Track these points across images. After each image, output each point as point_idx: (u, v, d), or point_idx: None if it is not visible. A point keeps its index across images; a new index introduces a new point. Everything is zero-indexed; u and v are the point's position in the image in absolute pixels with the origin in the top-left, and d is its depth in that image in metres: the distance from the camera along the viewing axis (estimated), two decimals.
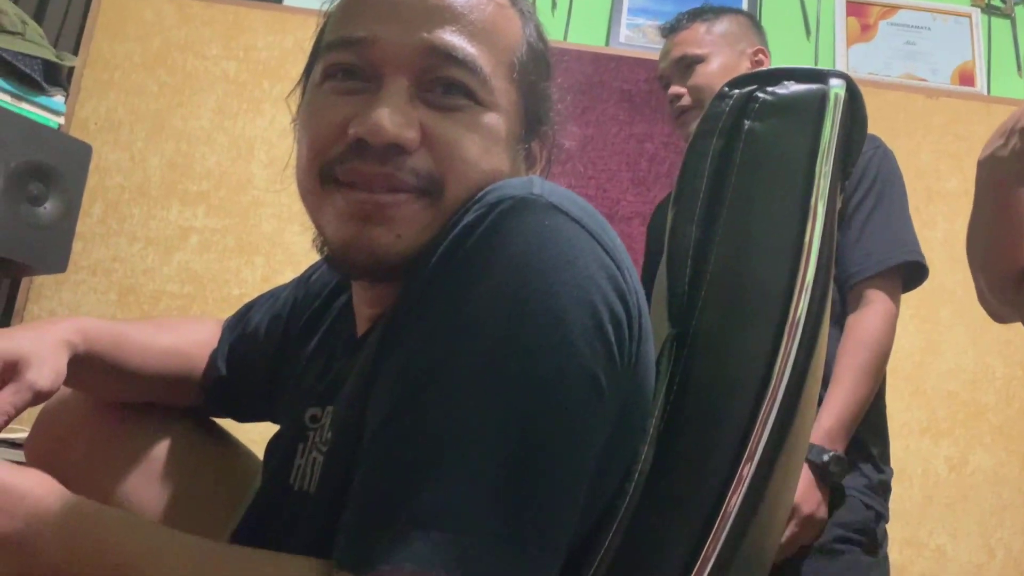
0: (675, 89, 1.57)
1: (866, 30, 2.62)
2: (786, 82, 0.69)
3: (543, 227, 0.56)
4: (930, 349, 2.28)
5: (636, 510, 0.63)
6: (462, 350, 0.54)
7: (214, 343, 0.97)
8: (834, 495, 1.30)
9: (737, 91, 0.70)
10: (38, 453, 0.94)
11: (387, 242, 0.63)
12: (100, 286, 2.26)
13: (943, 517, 2.18)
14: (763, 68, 0.74)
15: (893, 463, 2.19)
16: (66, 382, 0.81)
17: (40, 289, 2.25)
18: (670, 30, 1.64)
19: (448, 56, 0.64)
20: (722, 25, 1.60)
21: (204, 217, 2.31)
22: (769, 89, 0.69)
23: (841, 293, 1.41)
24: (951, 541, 2.16)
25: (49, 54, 2.06)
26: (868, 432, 1.39)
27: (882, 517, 1.38)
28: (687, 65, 1.57)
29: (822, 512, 1.26)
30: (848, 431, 1.30)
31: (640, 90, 2.41)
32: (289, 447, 0.77)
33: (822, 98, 0.68)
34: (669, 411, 0.65)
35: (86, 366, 0.84)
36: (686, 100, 1.55)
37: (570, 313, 0.55)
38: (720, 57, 1.56)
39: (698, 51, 1.57)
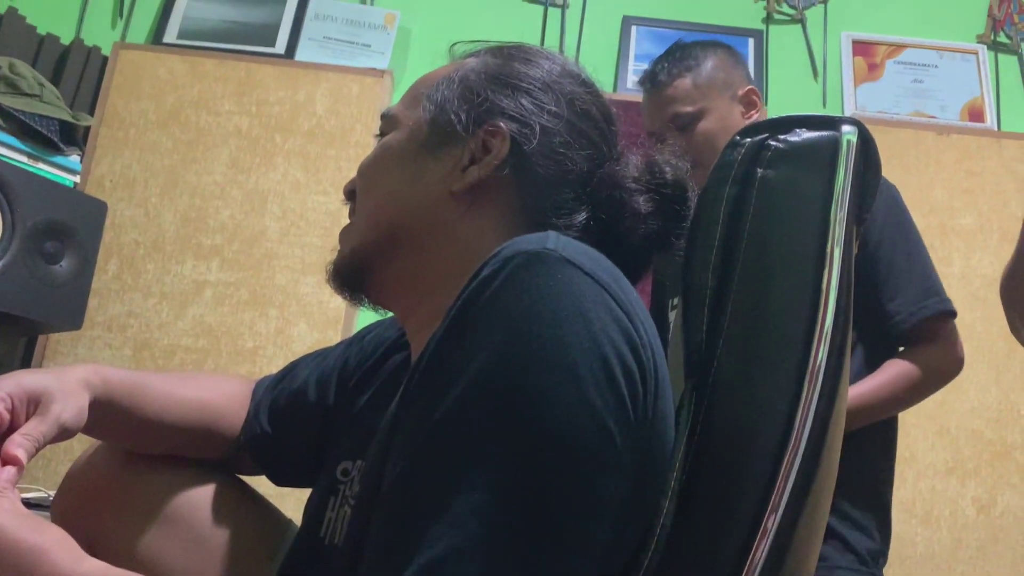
0: None
1: (873, 69, 2.63)
2: (798, 129, 0.69)
3: (555, 280, 0.57)
4: (953, 387, 2.22)
5: (660, 564, 0.62)
6: (473, 403, 0.54)
7: (243, 398, 0.96)
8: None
9: (749, 139, 0.70)
10: (65, 513, 0.93)
11: (333, 260, 0.84)
12: (115, 341, 2.27)
13: (974, 560, 2.13)
14: (767, 118, 0.75)
15: (920, 504, 2.17)
16: (86, 427, 0.81)
17: (56, 346, 2.26)
18: (652, 84, 1.53)
19: (381, 118, 0.87)
20: (707, 71, 1.50)
21: (218, 271, 2.32)
22: (781, 137, 0.69)
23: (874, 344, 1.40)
24: None
25: (65, 115, 2.10)
26: (860, 500, 1.35)
27: None
28: (682, 125, 1.48)
29: None
30: (853, 419, 1.28)
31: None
32: (321, 501, 0.78)
33: (834, 145, 0.67)
34: (690, 462, 0.63)
35: (105, 411, 0.83)
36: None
37: (581, 365, 0.55)
38: (715, 109, 1.48)
39: (690, 108, 1.48)
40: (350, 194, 0.86)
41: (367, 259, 0.80)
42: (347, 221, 0.86)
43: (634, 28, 2.70)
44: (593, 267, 0.59)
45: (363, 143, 2.38)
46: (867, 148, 0.68)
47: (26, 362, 2.24)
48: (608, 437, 0.55)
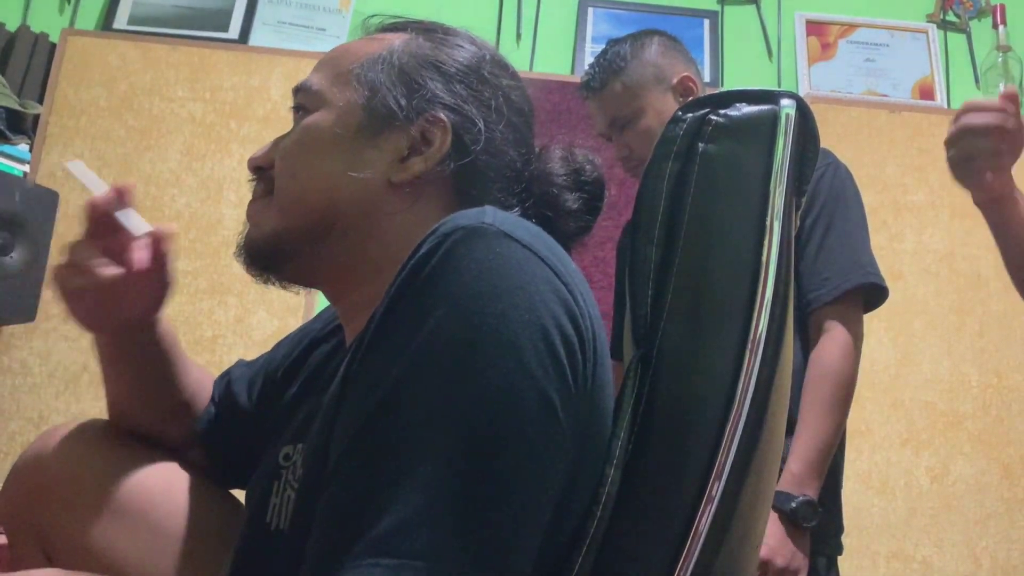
0: (620, 149, 1.53)
1: (826, 49, 2.66)
2: (738, 104, 0.70)
3: (494, 254, 0.57)
4: (906, 360, 2.30)
5: (606, 532, 0.63)
6: (416, 379, 0.55)
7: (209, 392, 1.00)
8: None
9: (691, 115, 0.70)
10: (13, 508, 0.91)
11: (246, 235, 0.81)
12: (72, 333, 2.23)
13: (928, 528, 2.18)
14: (704, 93, 0.76)
15: (876, 476, 2.21)
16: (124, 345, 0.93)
17: (10, 339, 2.22)
18: (587, 91, 1.56)
19: (296, 90, 0.82)
20: (635, 70, 1.51)
21: (175, 259, 2.30)
22: (721, 111, 0.70)
23: (803, 321, 1.36)
24: (937, 552, 2.17)
25: (12, 103, 2.06)
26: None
27: (833, 560, 1.35)
28: (621, 126, 1.51)
29: (797, 562, 1.23)
30: (819, 471, 1.26)
31: None
32: (265, 486, 0.77)
33: (773, 118, 0.68)
34: (637, 432, 0.64)
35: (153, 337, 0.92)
36: (632, 155, 1.51)
37: (522, 337, 0.55)
38: (650, 105, 1.49)
39: (626, 111, 1.50)
40: (258, 169, 0.82)
41: (292, 244, 0.78)
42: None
43: (591, 10, 2.70)
44: (531, 240, 0.60)
45: None
46: (805, 121, 0.70)
47: None
48: (550, 407, 0.56)
